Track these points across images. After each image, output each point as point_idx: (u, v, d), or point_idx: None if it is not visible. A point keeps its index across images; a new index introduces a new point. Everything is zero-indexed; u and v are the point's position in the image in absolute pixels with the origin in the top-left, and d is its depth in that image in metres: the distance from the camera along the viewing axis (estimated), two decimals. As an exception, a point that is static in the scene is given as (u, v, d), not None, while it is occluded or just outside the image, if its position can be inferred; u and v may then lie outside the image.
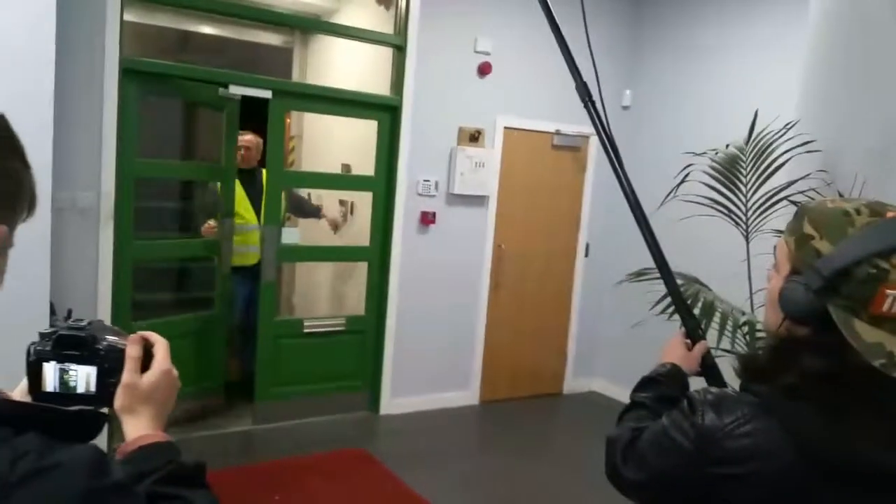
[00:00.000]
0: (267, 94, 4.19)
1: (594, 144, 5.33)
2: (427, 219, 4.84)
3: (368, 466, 4.05)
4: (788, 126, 2.61)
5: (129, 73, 3.68)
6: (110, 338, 0.86)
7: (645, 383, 1.35)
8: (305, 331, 4.59)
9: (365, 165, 4.82)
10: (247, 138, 4.56)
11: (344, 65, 5.27)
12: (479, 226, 5.09)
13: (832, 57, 2.57)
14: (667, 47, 5.31)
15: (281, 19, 4.75)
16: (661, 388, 1.32)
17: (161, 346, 0.91)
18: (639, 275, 2.11)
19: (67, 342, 0.83)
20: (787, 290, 1.06)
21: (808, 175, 2.42)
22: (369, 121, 4.71)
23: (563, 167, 5.36)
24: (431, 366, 5.02)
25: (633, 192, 1.45)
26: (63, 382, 0.84)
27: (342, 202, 5.24)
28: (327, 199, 5.28)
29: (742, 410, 1.05)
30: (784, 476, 1.03)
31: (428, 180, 4.83)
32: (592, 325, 5.65)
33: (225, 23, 4.72)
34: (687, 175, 2.74)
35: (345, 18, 5.19)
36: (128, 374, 0.86)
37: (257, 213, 4.51)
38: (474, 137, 4.96)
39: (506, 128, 5.09)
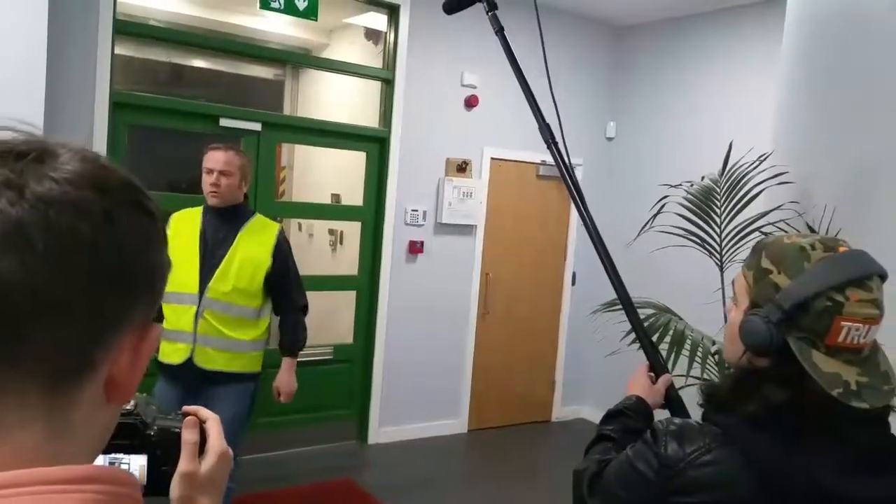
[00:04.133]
0: (257, 126, 4.26)
1: (579, 174, 5.41)
2: (415, 248, 4.90)
3: (356, 497, 4.04)
4: (762, 158, 2.68)
5: (120, 106, 3.75)
6: (161, 421, 0.78)
7: (611, 416, 1.38)
8: (293, 360, 4.59)
9: (354, 195, 4.88)
10: (218, 157, 2.80)
11: (334, 97, 5.36)
12: (466, 254, 5.14)
13: (805, 87, 2.65)
14: (647, 80, 5.43)
15: (272, 54, 4.84)
16: (627, 420, 1.35)
17: (214, 424, 0.81)
18: (610, 305, 2.15)
19: (116, 431, 0.73)
20: (748, 323, 1.09)
21: (780, 206, 2.49)
22: (358, 152, 4.79)
23: (548, 196, 5.44)
24: (420, 394, 5.03)
25: (594, 227, 1.51)
26: None
27: (332, 231, 5.29)
28: (317, 228, 5.33)
29: (704, 440, 1.09)
30: (745, 503, 1.06)
31: (416, 210, 4.89)
32: (580, 352, 5.68)
33: (217, 57, 4.81)
34: (663, 206, 2.81)
35: (335, 53, 5.30)
36: (185, 463, 0.77)
37: (206, 277, 2.76)
38: (461, 168, 5.04)
39: (492, 158, 5.17)
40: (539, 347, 5.57)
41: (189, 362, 2.77)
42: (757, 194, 2.63)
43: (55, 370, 0.50)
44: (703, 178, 2.87)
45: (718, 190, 2.73)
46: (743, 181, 2.67)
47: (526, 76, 1.65)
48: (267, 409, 4.48)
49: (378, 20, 4.81)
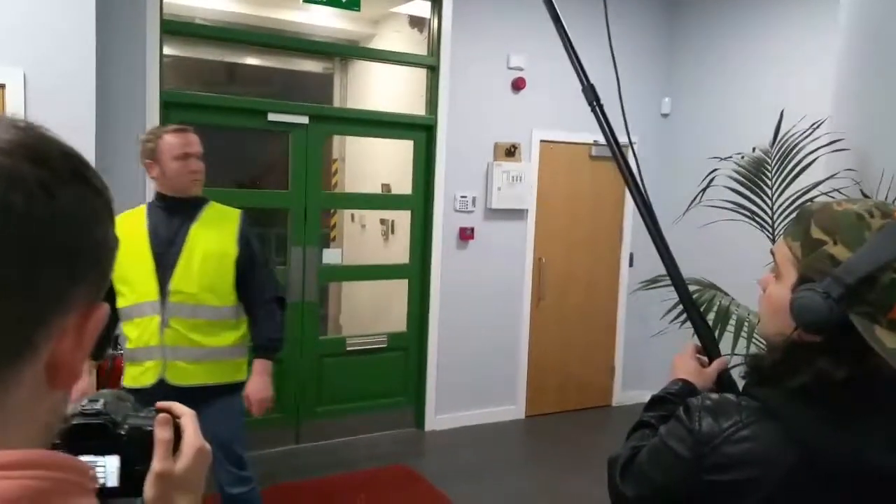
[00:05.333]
0: (304, 120, 4.32)
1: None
2: (466, 234, 4.87)
3: (413, 483, 4.07)
4: (816, 125, 2.53)
5: (170, 105, 3.87)
6: (133, 420, 0.74)
7: (654, 402, 1.30)
8: (348, 348, 4.67)
9: (404, 185, 4.90)
10: (193, 139, 2.53)
11: (381, 87, 5.39)
12: (518, 240, 5.08)
13: (864, 53, 2.49)
14: (702, 55, 5.22)
15: (320, 48, 4.90)
16: (671, 407, 1.25)
17: (189, 419, 0.76)
18: (653, 282, 2.08)
19: (84, 432, 0.70)
20: (804, 299, 1.00)
21: (835, 174, 2.35)
22: (406, 141, 4.80)
23: (602, 177, 5.31)
24: (476, 381, 5.02)
25: (642, 199, 1.42)
26: None
27: (383, 221, 5.33)
28: (369, 219, 5.38)
29: (741, 415, 1.03)
30: (784, 481, 1.01)
31: (465, 196, 4.86)
32: (640, 335, 5.54)
33: (264, 53, 4.90)
34: (712, 180, 2.69)
35: (380, 43, 5.32)
36: (159, 461, 0.73)
37: (165, 280, 2.43)
38: (510, 152, 4.98)
39: (542, 141, 5.09)
40: (596, 332, 5.46)
41: (162, 383, 2.41)
42: (810, 163, 2.49)
43: None
44: (753, 149, 2.74)
45: (770, 161, 2.60)
46: (795, 150, 2.53)
47: (580, 56, 1.54)
48: (324, 398, 4.58)
49: (422, 7, 4.80)
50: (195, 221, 2.48)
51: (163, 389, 2.37)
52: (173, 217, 2.47)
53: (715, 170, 2.70)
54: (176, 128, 2.52)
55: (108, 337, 2.70)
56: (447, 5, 4.67)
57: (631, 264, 5.50)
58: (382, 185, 5.28)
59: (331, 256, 4.63)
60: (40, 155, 0.48)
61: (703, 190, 2.68)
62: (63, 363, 0.50)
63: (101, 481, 0.70)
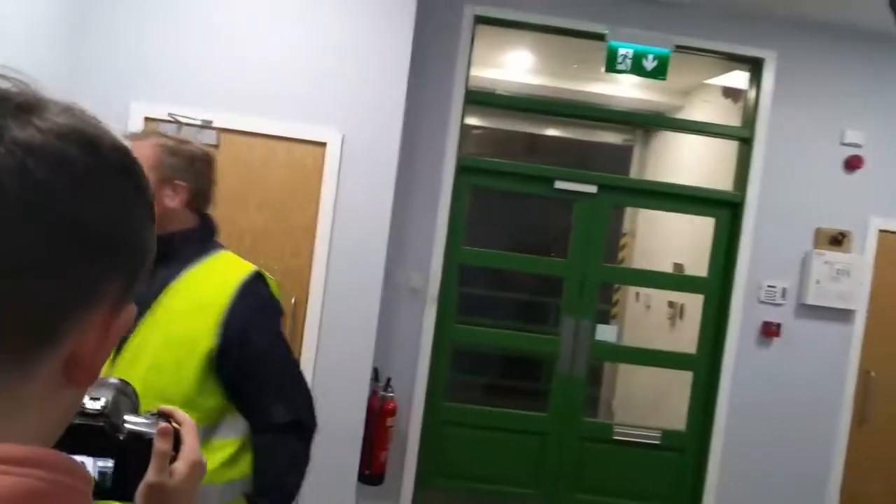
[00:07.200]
0: (592, 188, 4.18)
1: None
2: (770, 330, 4.19)
3: None
4: None
5: (464, 170, 4.04)
6: (132, 424, 0.72)
7: None
8: (615, 437, 4.28)
9: (699, 265, 4.44)
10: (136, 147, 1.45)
11: (682, 160, 5.04)
12: (839, 345, 4.21)
13: None
14: None
15: (625, 117, 4.77)
16: None
17: (190, 430, 0.75)
18: None
19: (82, 432, 0.67)
20: None
21: None
22: (706, 217, 4.36)
23: (966, 281, 4.19)
24: (766, 506, 4.21)
25: None
26: None
27: (671, 304, 4.87)
28: (655, 299, 4.97)
29: None
30: None
31: (773, 286, 4.20)
32: None
33: (563, 124, 4.93)
34: None
35: (688, 114, 4.99)
36: (154, 473, 0.71)
37: (114, 363, 1.49)
38: (836, 240, 4.20)
39: (882, 231, 4.21)
40: (944, 478, 4.23)
41: None
42: None
43: (11, 338, 0.44)
44: None
45: None
46: None
47: None
48: (585, 485, 4.23)
49: (739, 78, 4.38)
50: (179, 277, 1.57)
51: None
52: (159, 265, 1.48)
53: None
54: (131, 134, 1.74)
55: None
56: (768, 75, 4.18)
57: None
58: (674, 264, 4.86)
59: (605, 333, 4.34)
60: (92, 142, 0.47)
61: None
62: (83, 360, 0.48)
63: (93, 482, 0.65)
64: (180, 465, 0.73)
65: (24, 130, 0.44)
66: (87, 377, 0.49)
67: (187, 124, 3.27)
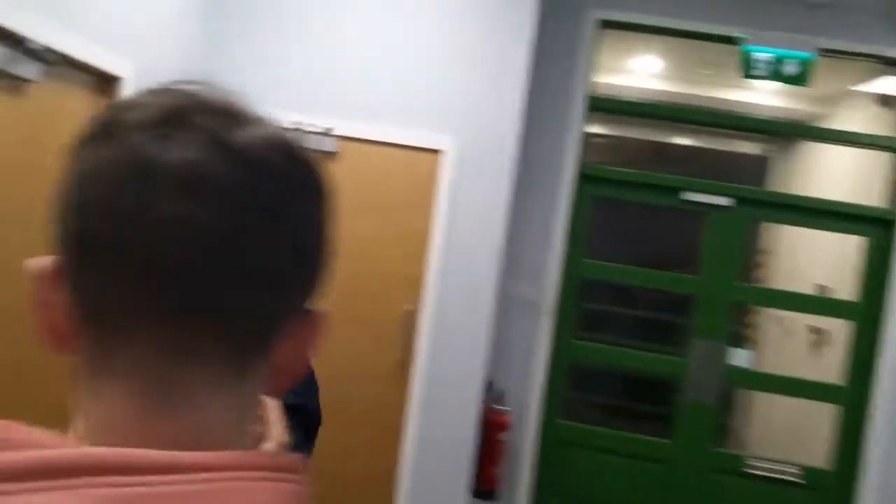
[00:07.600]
0: (725, 201, 3.90)
1: None
2: (931, 362, 3.71)
3: None
4: None
5: (586, 178, 3.88)
6: None
7: None
8: (747, 470, 3.92)
9: (846, 288, 4.01)
10: None
11: (826, 173, 4.61)
12: None
13: None
14: None
15: (764, 126, 4.44)
16: None
17: (273, 410, 0.77)
18: None
19: None
20: None
21: None
22: (856, 236, 3.95)
23: None
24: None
25: None
26: None
27: (814, 329, 4.44)
28: (795, 323, 4.55)
29: None
30: None
31: (935, 313, 3.73)
32: None
33: (693, 132, 4.65)
34: None
35: (835, 123, 4.57)
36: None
37: None
38: None
39: None
40: None
41: None
42: None
43: (240, 343, 0.46)
44: None
45: None
46: None
47: None
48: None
49: (891, 84, 3.96)
50: None
51: None
52: None
53: None
54: None
55: None
56: (929, 76, 3.76)
57: None
58: (817, 285, 4.43)
59: (739, 357, 4.01)
60: (301, 155, 0.49)
61: None
62: (286, 367, 0.50)
63: None
64: (270, 447, 0.73)
65: (253, 147, 0.45)
66: (284, 385, 0.51)
67: (310, 132, 3.34)
